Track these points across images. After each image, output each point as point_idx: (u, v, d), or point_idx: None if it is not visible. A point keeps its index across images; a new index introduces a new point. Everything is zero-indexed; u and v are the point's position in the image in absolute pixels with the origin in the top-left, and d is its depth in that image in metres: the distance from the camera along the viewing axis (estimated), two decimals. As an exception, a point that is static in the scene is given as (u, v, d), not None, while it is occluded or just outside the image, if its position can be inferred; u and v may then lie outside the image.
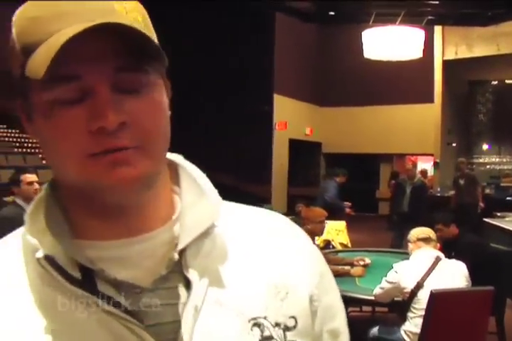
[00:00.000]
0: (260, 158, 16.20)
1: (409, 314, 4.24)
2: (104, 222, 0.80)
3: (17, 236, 0.83)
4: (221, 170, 16.78)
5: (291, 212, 12.80)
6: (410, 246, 4.63)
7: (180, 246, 0.80)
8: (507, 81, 19.13)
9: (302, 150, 18.88)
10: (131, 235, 0.80)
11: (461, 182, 11.50)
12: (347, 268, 5.60)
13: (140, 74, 0.75)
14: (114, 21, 0.69)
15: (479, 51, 16.89)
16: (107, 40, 0.71)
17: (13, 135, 15.53)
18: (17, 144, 15.01)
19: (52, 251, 0.75)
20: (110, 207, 0.78)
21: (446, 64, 17.92)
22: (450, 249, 4.98)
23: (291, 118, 17.82)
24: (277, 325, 0.83)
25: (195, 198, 0.86)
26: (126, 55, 0.73)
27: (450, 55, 17.77)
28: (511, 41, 15.51)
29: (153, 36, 0.78)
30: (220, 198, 0.88)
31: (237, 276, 0.84)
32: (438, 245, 4.63)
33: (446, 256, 4.49)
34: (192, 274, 0.79)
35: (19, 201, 5.13)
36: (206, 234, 0.83)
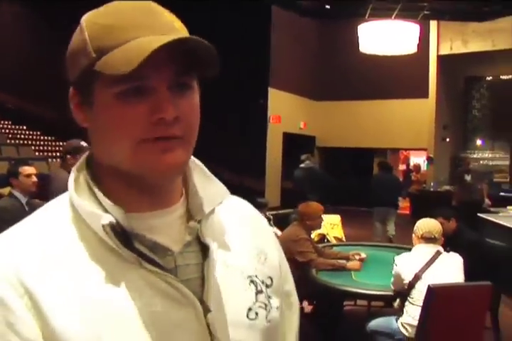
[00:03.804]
0: (254, 151, 16.19)
1: (407, 306, 4.26)
2: (139, 197, 0.98)
3: (59, 206, 0.98)
4: (215, 163, 16.79)
5: (284, 205, 12.81)
6: (414, 238, 4.61)
7: (198, 217, 1.02)
8: (502, 77, 19.12)
9: (296, 144, 18.84)
10: (159, 208, 0.99)
11: (467, 177, 11.45)
12: (342, 262, 5.60)
13: (189, 78, 0.94)
14: (190, 37, 0.88)
15: (474, 47, 16.87)
16: (169, 49, 0.85)
17: (5, 126, 15.50)
18: (10, 136, 14.97)
19: (112, 220, 0.91)
20: (146, 185, 0.96)
21: (441, 59, 17.91)
22: (448, 243, 4.98)
23: (285, 111, 17.81)
24: (263, 282, 1.08)
25: (204, 180, 1.07)
26: (182, 62, 0.90)
27: (445, 50, 17.76)
28: (506, 37, 15.49)
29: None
30: None
31: (233, 244, 1.07)
32: (442, 239, 4.62)
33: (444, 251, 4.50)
34: (208, 241, 1.01)
35: (16, 193, 5.10)
36: (214, 209, 1.04)
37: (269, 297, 1.07)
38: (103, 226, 0.90)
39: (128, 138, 0.89)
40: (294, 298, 1.24)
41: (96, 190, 0.95)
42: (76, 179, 0.98)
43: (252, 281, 1.05)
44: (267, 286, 1.08)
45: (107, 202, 0.93)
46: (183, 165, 0.96)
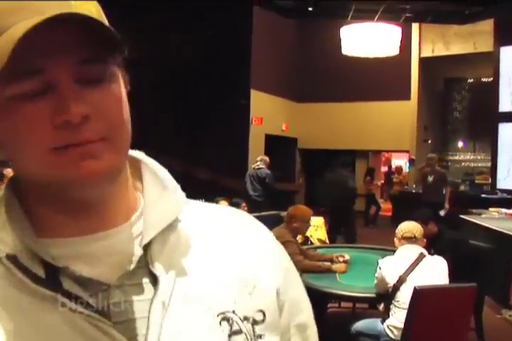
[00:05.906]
0: (237, 153, 16.13)
1: (393, 309, 4.26)
2: (68, 219, 0.79)
3: None
4: (197, 164, 16.81)
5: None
6: (396, 241, 4.65)
7: (144, 241, 0.80)
8: (483, 79, 19.25)
9: (278, 146, 18.84)
10: (95, 231, 0.80)
11: (430, 178, 11.24)
12: (327, 264, 5.60)
13: (102, 65, 0.74)
14: (69, 12, 0.67)
15: (456, 49, 16.98)
16: (68, 32, 0.69)
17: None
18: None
19: (15, 250, 0.74)
20: (74, 201, 0.77)
21: (423, 61, 17.99)
22: (431, 245, 5.00)
23: (267, 113, 17.75)
24: (246, 318, 0.83)
25: (157, 193, 0.86)
26: (88, 47, 0.71)
27: (427, 53, 17.85)
28: (487, 39, 15.58)
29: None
30: (183, 193, 0.89)
31: (203, 271, 0.84)
32: (424, 241, 4.65)
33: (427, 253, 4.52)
34: (158, 269, 0.79)
35: None
36: (171, 228, 0.83)
37: (259, 336, 0.84)
38: (0, 259, 0.75)
39: (34, 148, 0.71)
40: (312, 330, 0.99)
41: (1, 213, 0.78)
42: None
43: (225, 319, 0.81)
44: (255, 323, 0.84)
45: (11, 229, 0.76)
46: (113, 172, 0.76)
